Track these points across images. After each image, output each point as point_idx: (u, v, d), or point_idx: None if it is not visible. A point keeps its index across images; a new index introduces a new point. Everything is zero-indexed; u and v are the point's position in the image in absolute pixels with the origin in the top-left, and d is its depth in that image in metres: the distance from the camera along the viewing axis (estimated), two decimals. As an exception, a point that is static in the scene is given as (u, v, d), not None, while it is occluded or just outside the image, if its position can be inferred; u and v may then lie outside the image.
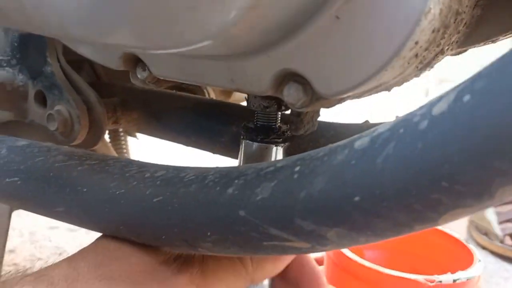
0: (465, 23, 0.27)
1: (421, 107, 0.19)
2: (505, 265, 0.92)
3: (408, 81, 0.28)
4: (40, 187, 0.32)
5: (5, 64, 0.47)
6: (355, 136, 0.21)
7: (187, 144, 0.44)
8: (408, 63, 0.23)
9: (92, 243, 0.30)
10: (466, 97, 0.17)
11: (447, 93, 0.18)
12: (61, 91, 0.43)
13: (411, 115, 0.19)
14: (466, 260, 0.48)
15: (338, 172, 0.20)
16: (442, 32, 0.23)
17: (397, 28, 0.20)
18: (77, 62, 0.49)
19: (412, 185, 0.18)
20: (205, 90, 0.57)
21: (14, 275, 0.26)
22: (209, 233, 0.24)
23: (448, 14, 0.22)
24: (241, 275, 0.30)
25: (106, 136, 0.69)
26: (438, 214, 0.18)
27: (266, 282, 0.34)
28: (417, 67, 0.25)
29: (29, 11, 0.25)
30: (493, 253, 0.95)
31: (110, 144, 0.68)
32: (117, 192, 0.29)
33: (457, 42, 0.29)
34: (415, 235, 0.56)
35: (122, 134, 0.68)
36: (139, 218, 0.28)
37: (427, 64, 0.26)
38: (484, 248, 0.97)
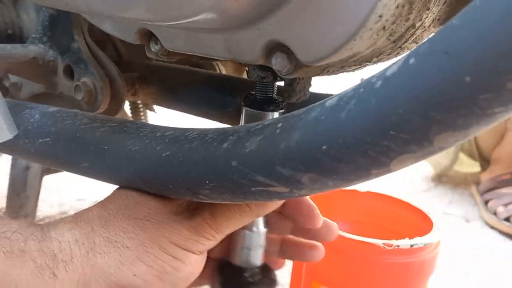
0: (444, 2, 0.30)
1: (380, 71, 0.22)
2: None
3: (386, 54, 0.31)
4: (68, 146, 0.36)
5: (37, 41, 0.51)
6: (330, 97, 0.24)
7: (198, 114, 0.48)
8: (377, 35, 0.25)
9: (115, 191, 0.34)
10: (411, 60, 0.20)
11: (400, 59, 0.21)
12: (86, 65, 0.47)
13: (371, 77, 0.22)
14: (427, 229, 0.50)
15: (311, 126, 0.23)
16: (407, 8, 0.26)
17: (361, 3, 0.23)
18: (101, 41, 0.53)
19: (367, 134, 0.21)
20: (216, 67, 0.60)
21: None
22: (207, 181, 0.28)
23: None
24: (246, 213, 0.33)
25: (128, 110, 0.73)
26: (389, 159, 0.21)
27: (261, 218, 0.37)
28: (389, 39, 0.28)
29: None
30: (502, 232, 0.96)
31: (130, 116, 0.72)
32: (133, 149, 0.33)
33: (438, 19, 0.32)
34: (384, 210, 0.60)
35: (141, 107, 0.73)
36: (150, 171, 0.32)
37: (400, 37, 0.29)
38: (492, 227, 0.98)
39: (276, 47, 0.27)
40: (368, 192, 0.62)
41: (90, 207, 0.33)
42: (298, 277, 0.57)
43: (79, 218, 0.31)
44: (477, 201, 1.08)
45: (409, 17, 0.27)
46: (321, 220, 0.36)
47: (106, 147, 0.34)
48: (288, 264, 0.50)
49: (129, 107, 0.74)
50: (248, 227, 0.36)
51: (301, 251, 0.39)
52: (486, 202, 1.04)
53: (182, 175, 0.30)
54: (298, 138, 0.24)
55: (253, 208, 0.34)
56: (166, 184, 0.31)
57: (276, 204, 0.35)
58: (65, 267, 0.28)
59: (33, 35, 0.52)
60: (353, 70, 0.32)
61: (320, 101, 0.25)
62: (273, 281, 0.39)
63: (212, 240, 0.32)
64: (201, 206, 0.33)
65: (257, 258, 0.37)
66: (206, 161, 0.28)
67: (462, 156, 1.19)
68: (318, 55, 0.25)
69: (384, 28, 0.25)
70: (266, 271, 0.38)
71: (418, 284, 0.51)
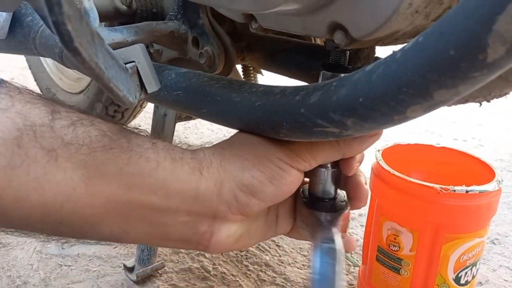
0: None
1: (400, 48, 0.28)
2: None
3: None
4: (193, 97, 0.48)
5: (173, 18, 0.63)
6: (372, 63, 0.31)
7: (290, 76, 0.56)
8: (412, 17, 0.31)
9: (236, 133, 0.43)
10: (420, 38, 0.26)
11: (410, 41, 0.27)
12: (208, 37, 0.58)
13: (397, 50, 0.29)
14: (488, 180, 0.53)
15: (353, 84, 0.31)
16: (438, -6, 0.31)
17: (392, -5, 0.29)
18: (221, 17, 0.63)
19: (388, 90, 0.28)
20: (313, 38, 0.67)
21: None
22: (284, 123, 0.37)
23: (439, -17, 0.30)
24: (336, 148, 0.40)
25: (240, 72, 0.84)
26: (404, 108, 0.28)
27: None
28: (427, 19, 0.33)
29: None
30: None
31: (242, 77, 0.83)
32: (236, 100, 0.43)
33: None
34: (456, 163, 0.62)
35: (251, 70, 0.83)
36: (248, 116, 0.41)
37: (438, 16, 0.34)
38: None
39: (336, 26, 0.34)
40: (442, 147, 0.66)
41: (222, 141, 0.42)
42: (371, 213, 0.65)
43: (215, 144, 0.42)
44: None
45: (443, 1, 0.32)
46: (366, 203, 0.43)
47: (218, 98, 0.44)
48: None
49: (241, 70, 0.85)
50: (325, 166, 0.44)
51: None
52: None
53: (268, 118, 0.39)
54: (344, 93, 0.31)
55: (341, 145, 0.40)
56: (258, 125, 0.41)
57: (359, 149, 0.41)
58: (207, 170, 0.38)
59: (170, 13, 0.64)
60: (405, 42, 0.38)
61: (365, 66, 0.32)
62: (342, 206, 0.45)
63: (307, 162, 0.39)
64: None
65: (330, 190, 0.45)
66: (284, 108, 0.37)
67: None
68: (364, 32, 0.32)
69: (417, 11, 0.31)
70: (338, 200, 0.45)
71: (475, 226, 0.55)
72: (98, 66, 0.26)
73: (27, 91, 0.33)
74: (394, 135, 1.52)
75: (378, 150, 0.62)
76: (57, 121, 0.32)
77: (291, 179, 0.39)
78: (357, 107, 0.30)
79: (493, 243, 0.97)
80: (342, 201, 0.45)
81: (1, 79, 0.32)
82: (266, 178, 0.38)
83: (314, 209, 0.44)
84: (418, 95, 0.27)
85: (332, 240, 0.42)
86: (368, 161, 0.52)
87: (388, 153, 0.62)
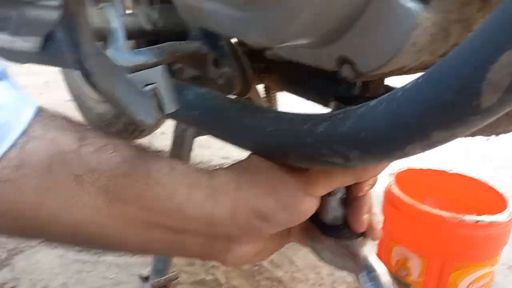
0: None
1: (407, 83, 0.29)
2: None
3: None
4: (209, 117, 0.49)
5: (196, 38, 0.65)
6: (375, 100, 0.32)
7: (307, 98, 0.57)
8: (417, 54, 0.32)
9: (250, 154, 0.44)
10: (420, 79, 0.27)
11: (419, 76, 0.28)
12: (228, 58, 0.60)
13: (399, 87, 0.30)
14: (501, 209, 0.52)
15: (357, 118, 0.32)
16: (443, 35, 0.32)
17: (397, 36, 0.30)
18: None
19: (389, 127, 0.29)
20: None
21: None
22: (292, 151, 0.38)
23: (444, 23, 0.31)
24: (351, 173, 0.40)
25: (262, 91, 0.86)
26: (404, 145, 0.29)
27: None
28: (433, 55, 0.34)
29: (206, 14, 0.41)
30: None
31: (264, 98, 0.85)
32: (249, 124, 0.44)
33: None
34: (469, 190, 0.62)
35: (272, 90, 0.85)
36: (258, 140, 0.43)
37: (446, 52, 0.34)
38: None
39: (344, 60, 0.35)
40: (456, 174, 0.66)
41: (236, 162, 0.43)
42: (382, 238, 0.65)
43: (231, 167, 0.43)
44: None
45: (449, 40, 0.33)
46: (362, 229, 0.43)
47: (232, 121, 0.46)
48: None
49: (263, 89, 0.87)
50: (333, 194, 0.43)
51: None
52: None
53: (277, 144, 0.40)
54: (349, 125, 0.32)
55: (356, 171, 0.40)
56: (268, 150, 0.42)
57: (374, 172, 0.41)
58: (222, 197, 0.39)
59: (193, 33, 0.66)
60: (413, 73, 0.38)
61: (369, 101, 0.33)
62: (352, 233, 0.44)
63: (323, 188, 0.40)
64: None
65: (339, 217, 0.44)
66: (292, 136, 0.38)
67: None
68: (371, 68, 0.33)
69: (421, 49, 0.32)
70: (347, 228, 0.44)
71: (485, 256, 0.55)
72: (115, 96, 0.28)
73: (60, 117, 0.36)
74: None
75: (391, 174, 0.63)
76: (84, 147, 0.35)
77: (306, 206, 0.40)
78: (359, 141, 0.31)
79: (511, 269, 0.95)
80: (339, 229, 0.44)
81: (38, 108, 0.35)
82: (280, 206, 0.39)
83: (339, 238, 0.43)
84: (416, 134, 0.28)
85: (373, 269, 0.42)
86: (381, 184, 0.53)
87: (401, 178, 0.62)
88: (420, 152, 0.30)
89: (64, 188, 0.34)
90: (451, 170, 0.65)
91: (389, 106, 0.29)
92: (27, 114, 0.34)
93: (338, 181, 0.41)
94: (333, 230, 0.44)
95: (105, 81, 0.26)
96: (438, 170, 0.65)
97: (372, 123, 0.30)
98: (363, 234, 0.44)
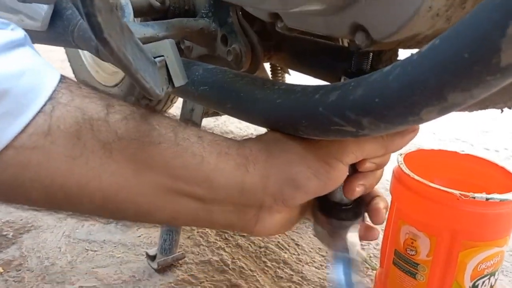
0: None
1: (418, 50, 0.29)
2: None
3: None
4: (218, 92, 0.49)
5: (204, 16, 0.65)
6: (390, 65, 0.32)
7: (315, 76, 0.57)
8: (433, 19, 0.32)
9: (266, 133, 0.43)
10: (437, 41, 0.27)
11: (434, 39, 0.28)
12: (236, 35, 0.59)
13: (412, 54, 0.29)
14: (511, 189, 0.52)
15: (370, 85, 0.31)
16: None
17: (412, -2, 0.29)
18: (251, 14, 0.65)
19: (403, 91, 0.28)
20: (340, 40, 0.68)
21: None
22: (303, 121, 0.38)
23: (461, -13, 0.30)
24: (380, 142, 0.39)
25: (269, 71, 0.85)
26: (419, 109, 0.28)
27: None
28: (448, 22, 0.33)
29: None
30: None
31: (270, 77, 0.84)
32: (258, 97, 0.44)
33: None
34: (479, 171, 0.61)
35: (279, 70, 0.84)
36: (268, 112, 0.42)
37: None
38: None
39: (358, 27, 0.35)
40: (466, 154, 0.65)
41: (265, 133, 0.43)
42: (390, 217, 0.65)
43: (260, 137, 0.42)
44: None
45: (465, 6, 0.32)
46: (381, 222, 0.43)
47: (242, 94, 0.46)
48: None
49: (269, 69, 0.87)
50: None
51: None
52: None
53: (288, 115, 0.40)
54: (361, 93, 0.32)
55: (385, 139, 0.39)
56: (278, 122, 0.41)
57: (401, 144, 0.40)
58: (253, 165, 0.39)
59: (202, 11, 0.65)
60: (417, 45, 0.38)
61: (382, 68, 0.32)
62: (357, 213, 0.44)
63: (354, 155, 0.39)
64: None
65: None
66: (303, 106, 0.38)
67: None
68: (384, 34, 0.33)
69: (438, 14, 0.31)
70: (354, 206, 0.44)
71: (494, 235, 0.54)
72: (126, 57, 0.28)
73: (85, 85, 0.36)
74: (424, 141, 1.49)
75: (401, 154, 0.62)
76: (112, 115, 0.35)
77: (337, 173, 0.39)
78: (372, 107, 0.31)
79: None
80: (357, 210, 0.44)
81: (62, 75, 0.35)
82: (312, 173, 0.39)
83: (329, 216, 0.43)
84: (432, 97, 0.27)
85: (346, 250, 0.42)
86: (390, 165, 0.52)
87: (411, 158, 0.61)
88: (436, 117, 0.29)
89: (93, 156, 0.34)
90: (462, 151, 0.64)
91: (404, 70, 0.28)
92: (53, 80, 0.34)
93: (367, 149, 0.40)
94: (334, 208, 0.43)
95: (116, 39, 0.25)
96: (448, 151, 0.64)
97: (386, 88, 0.30)
98: (362, 216, 0.44)
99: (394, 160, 0.63)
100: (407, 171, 0.57)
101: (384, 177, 0.46)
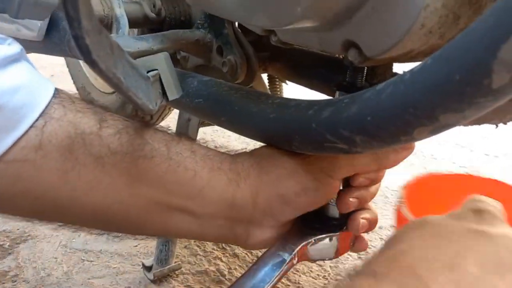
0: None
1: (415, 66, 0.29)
2: None
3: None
4: (213, 105, 0.49)
5: (200, 26, 0.65)
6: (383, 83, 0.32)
7: (310, 87, 0.57)
8: (426, 37, 0.31)
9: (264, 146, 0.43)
10: (429, 60, 0.26)
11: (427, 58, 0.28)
12: (231, 46, 0.59)
13: (404, 72, 0.29)
14: None
15: (363, 103, 0.31)
16: (452, 17, 0.31)
17: (405, 15, 0.29)
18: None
19: (396, 110, 0.28)
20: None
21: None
22: (297, 136, 0.38)
23: (454, 5, 0.30)
24: (372, 158, 0.39)
25: (266, 81, 0.85)
26: (411, 129, 0.28)
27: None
28: (442, 39, 0.33)
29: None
30: None
31: (268, 87, 0.84)
32: (253, 110, 0.43)
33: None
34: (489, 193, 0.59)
35: (277, 80, 0.84)
36: (262, 126, 0.42)
37: (454, 36, 0.33)
38: None
39: (351, 44, 0.34)
40: (473, 176, 0.62)
41: (257, 148, 0.43)
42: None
43: (253, 152, 0.42)
44: None
45: (458, 22, 0.32)
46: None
47: (236, 108, 0.45)
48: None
49: (267, 79, 0.86)
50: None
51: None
52: None
53: (281, 130, 0.39)
54: (354, 110, 0.32)
55: (379, 155, 0.39)
56: (272, 136, 0.41)
57: (395, 161, 0.40)
58: (244, 181, 0.39)
59: (198, 22, 0.65)
60: (420, 60, 0.38)
61: (376, 85, 0.32)
62: (335, 227, 0.42)
63: (345, 170, 0.39)
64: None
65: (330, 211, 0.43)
66: (296, 122, 0.37)
67: None
68: (377, 51, 0.32)
69: (430, 32, 0.31)
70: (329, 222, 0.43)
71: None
72: (116, 77, 0.28)
73: (79, 100, 0.37)
74: (422, 146, 1.49)
75: (404, 187, 0.58)
76: (104, 129, 0.35)
77: (327, 188, 0.39)
78: (365, 125, 0.31)
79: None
80: (332, 224, 0.42)
81: (56, 89, 0.35)
82: (301, 189, 0.39)
83: (300, 220, 0.41)
84: (424, 117, 0.27)
85: (284, 250, 0.40)
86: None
87: (419, 186, 0.58)
88: (428, 137, 0.29)
89: (85, 170, 0.34)
90: (475, 172, 0.62)
91: (396, 89, 0.28)
92: (46, 95, 0.34)
93: (359, 165, 0.39)
94: (309, 217, 0.41)
95: (105, 60, 0.25)
96: (461, 175, 0.61)
97: (379, 106, 0.30)
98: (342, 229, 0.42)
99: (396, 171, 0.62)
100: (408, 216, 0.54)
101: (382, 184, 0.45)
